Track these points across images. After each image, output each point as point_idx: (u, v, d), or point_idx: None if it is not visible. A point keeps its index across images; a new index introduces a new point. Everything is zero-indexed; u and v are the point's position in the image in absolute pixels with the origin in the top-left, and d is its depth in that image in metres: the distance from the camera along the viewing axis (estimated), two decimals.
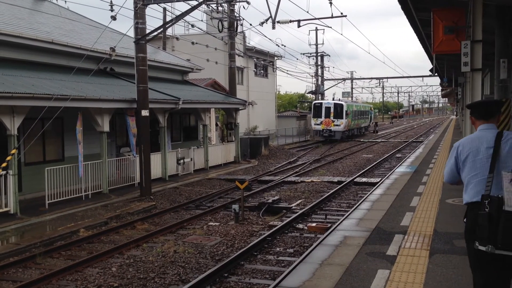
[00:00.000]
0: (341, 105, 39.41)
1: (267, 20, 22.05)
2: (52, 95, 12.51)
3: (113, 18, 15.11)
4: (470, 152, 3.94)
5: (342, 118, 38.72)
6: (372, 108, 60.26)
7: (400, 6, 12.21)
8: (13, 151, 12.01)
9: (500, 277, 3.71)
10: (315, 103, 41.10)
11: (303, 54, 50.42)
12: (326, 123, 38.62)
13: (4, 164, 11.65)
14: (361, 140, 41.58)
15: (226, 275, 8.10)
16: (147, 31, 16.07)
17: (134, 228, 11.83)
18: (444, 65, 25.33)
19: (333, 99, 50.68)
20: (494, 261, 3.65)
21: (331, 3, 22.78)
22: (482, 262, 3.74)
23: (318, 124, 39.16)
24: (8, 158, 11.83)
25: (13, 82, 12.65)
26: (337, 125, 38.55)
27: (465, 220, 3.92)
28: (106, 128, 15.30)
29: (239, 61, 33.57)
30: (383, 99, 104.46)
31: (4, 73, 13.29)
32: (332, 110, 38.77)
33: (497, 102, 4.52)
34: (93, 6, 23.70)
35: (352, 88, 74.60)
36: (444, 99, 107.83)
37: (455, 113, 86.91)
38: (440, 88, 53.63)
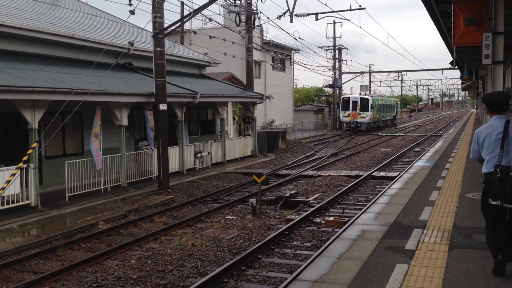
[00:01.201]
0: (367, 99, 43.16)
1: (284, 13, 21.99)
2: (72, 89, 12.66)
3: (132, 12, 15.19)
4: (486, 136, 5.54)
5: (367, 111, 42.55)
6: (398, 102, 64.20)
7: None
8: (34, 144, 12.19)
9: (502, 222, 5.37)
10: (343, 98, 45.31)
11: (321, 47, 50.14)
12: (353, 115, 42.66)
13: (25, 158, 11.83)
14: (379, 134, 41.30)
15: (243, 268, 8.13)
16: (165, 25, 16.13)
17: (153, 221, 11.93)
18: (464, 57, 24.96)
19: (351, 93, 51.41)
20: (500, 211, 5.30)
21: None
22: (492, 212, 5.39)
23: (346, 117, 43.35)
24: (29, 151, 12.02)
25: (33, 76, 12.83)
26: (363, 117, 42.51)
27: (483, 185, 5.51)
28: (125, 122, 15.44)
29: (256, 55, 33.51)
30: (401, 92, 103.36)
31: (25, 68, 13.49)
32: (358, 103, 42.74)
33: (507, 99, 5.71)
34: (112, 0, 23.89)
35: (370, 81, 73.99)
36: (464, 92, 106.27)
37: (475, 106, 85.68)
38: (460, 81, 52.86)
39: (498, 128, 5.47)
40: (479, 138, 5.62)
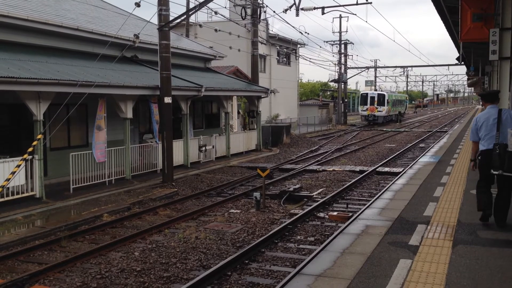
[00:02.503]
0: (383, 95, 47.50)
1: (291, 7, 21.91)
2: (77, 81, 12.67)
3: (137, 5, 15.16)
4: (484, 121, 7.20)
5: (384, 105, 46.89)
6: (407, 98, 68.85)
7: None
8: (39, 136, 12.22)
9: (501, 193, 7.22)
10: (362, 93, 50.28)
11: (326, 42, 49.95)
12: (371, 109, 46.98)
13: (30, 149, 11.87)
14: (384, 129, 41.22)
15: (247, 261, 8.14)
16: (171, 18, 16.09)
17: (156, 214, 11.97)
18: (471, 53, 24.80)
19: (356, 88, 52.24)
20: (501, 178, 7.06)
21: None
22: (491, 179, 7.25)
23: (364, 110, 47.71)
24: (34, 143, 12.05)
25: (39, 68, 12.84)
26: (380, 111, 46.91)
27: (479, 158, 7.31)
28: (130, 114, 15.45)
29: (262, 49, 33.45)
30: (407, 88, 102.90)
31: (31, 59, 13.50)
32: (376, 99, 46.91)
33: (497, 93, 7.63)
34: None
35: (375, 76, 73.64)
36: (470, 88, 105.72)
37: (481, 103, 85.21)
38: (466, 77, 52.59)
39: (493, 115, 7.16)
40: (478, 123, 7.31)
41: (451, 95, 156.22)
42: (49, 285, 7.41)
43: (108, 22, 19.02)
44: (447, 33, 19.61)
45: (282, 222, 10.64)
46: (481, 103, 10.23)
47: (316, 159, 21.39)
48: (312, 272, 5.68)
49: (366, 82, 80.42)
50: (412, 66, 64.37)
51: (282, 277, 7.35)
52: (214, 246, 9.08)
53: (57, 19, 15.54)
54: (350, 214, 10.67)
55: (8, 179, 11.28)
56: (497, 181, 7.20)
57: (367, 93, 48.90)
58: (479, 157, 7.32)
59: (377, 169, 17.62)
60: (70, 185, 13.46)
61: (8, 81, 10.96)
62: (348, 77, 53.62)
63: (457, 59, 31.33)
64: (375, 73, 71.57)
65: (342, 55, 50.71)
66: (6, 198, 11.51)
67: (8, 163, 11.67)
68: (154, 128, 16.75)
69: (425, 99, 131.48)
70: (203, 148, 19.45)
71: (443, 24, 17.43)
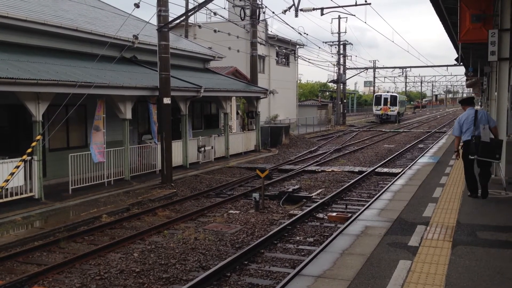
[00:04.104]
0: (395, 96, 54.48)
1: (290, 8, 21.93)
2: (76, 82, 12.66)
3: (137, 5, 15.16)
4: (465, 119, 9.41)
5: (396, 105, 53.35)
6: (407, 99, 77.22)
7: None
8: (38, 137, 12.20)
9: (482, 171, 9.39)
10: (376, 95, 56.94)
11: (325, 42, 49.93)
12: (385, 109, 53.14)
13: (29, 150, 11.86)
14: (383, 130, 41.26)
15: (246, 262, 8.14)
16: (170, 19, 16.09)
17: (156, 214, 11.96)
18: (469, 54, 24.77)
19: (354, 89, 52.61)
20: (479, 161, 9.16)
21: None
22: (469, 164, 9.34)
23: (378, 110, 53.66)
24: (33, 144, 12.04)
25: (38, 69, 12.82)
26: (392, 111, 53.09)
27: (462, 146, 9.43)
28: (129, 115, 15.43)
29: (261, 50, 33.45)
30: (405, 88, 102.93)
31: (30, 60, 13.49)
32: (389, 100, 53.11)
33: (473, 98, 10.21)
34: None
35: (374, 77, 73.69)
36: (468, 89, 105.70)
37: (479, 103, 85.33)
38: (465, 78, 52.70)
39: (471, 114, 9.43)
40: (460, 121, 9.55)
41: (450, 95, 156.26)
42: (48, 286, 7.40)
43: (107, 22, 19.02)
44: (445, 33, 19.62)
45: (281, 223, 10.63)
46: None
47: (315, 160, 21.40)
48: (311, 273, 5.68)
49: (365, 82, 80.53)
50: (411, 67, 64.54)
51: (282, 278, 7.34)
52: (213, 247, 9.07)
53: (56, 19, 15.54)
54: (350, 215, 10.67)
55: (7, 180, 11.26)
56: (476, 163, 9.36)
57: (381, 95, 55.43)
58: (461, 148, 9.55)
59: (376, 170, 17.63)
60: (69, 186, 13.44)
61: (7, 82, 10.94)
62: (347, 77, 53.67)
63: (456, 60, 31.34)
64: (374, 74, 71.65)
65: (341, 55, 50.73)
66: (5, 199, 11.49)
67: (7, 164, 11.65)
68: (153, 128, 16.75)
69: (423, 99, 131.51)
70: (202, 149, 19.45)
71: (441, 25, 17.44)
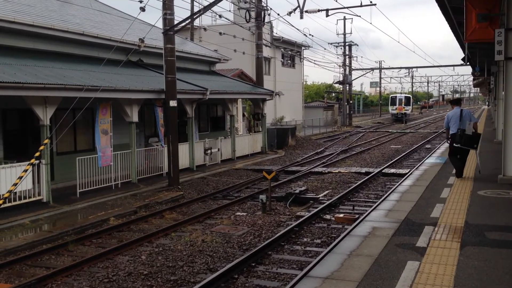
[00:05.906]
0: (409, 97, 61.13)
1: (295, 9, 21.92)
2: (83, 86, 12.73)
3: (142, 9, 15.21)
4: (452, 116, 11.66)
5: (409, 105, 60.32)
6: (412, 99, 79.89)
7: None
8: (46, 141, 12.27)
9: (461, 157, 11.90)
10: (391, 96, 63.50)
11: (331, 43, 49.90)
12: (400, 109, 59.06)
13: (37, 154, 11.92)
14: (389, 130, 41.13)
15: (253, 264, 8.14)
16: (175, 22, 16.14)
17: (163, 217, 11.99)
18: (476, 54, 24.71)
19: (361, 89, 53.16)
20: (460, 150, 11.59)
21: None
22: (456, 151, 11.67)
23: (394, 110, 59.73)
24: (41, 147, 12.10)
25: (45, 73, 12.90)
26: (406, 110, 59.36)
27: (449, 138, 11.79)
28: (135, 118, 15.49)
29: (266, 51, 33.45)
30: (412, 89, 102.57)
31: (37, 65, 13.58)
32: (403, 100, 59.20)
33: (460, 99, 12.86)
34: None
35: (380, 78, 73.49)
36: (475, 88, 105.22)
37: (487, 103, 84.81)
38: (472, 77, 52.42)
39: (458, 112, 11.54)
40: (449, 118, 11.73)
41: (457, 95, 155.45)
42: None
43: (113, 26, 19.10)
44: (451, 33, 19.55)
45: (288, 225, 10.63)
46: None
47: (322, 161, 21.37)
48: (319, 275, 5.68)
49: (371, 83, 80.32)
50: (417, 67, 64.36)
51: (289, 279, 7.34)
52: (221, 249, 9.08)
53: (62, 24, 15.63)
54: (357, 216, 10.65)
55: (15, 184, 11.33)
56: (458, 151, 11.58)
57: (396, 96, 61.40)
58: (449, 139, 11.79)
59: (383, 171, 17.58)
60: (77, 189, 13.50)
61: (15, 86, 11.02)
62: (353, 78, 53.57)
63: (463, 59, 31.24)
64: (380, 74, 71.48)
65: (347, 56, 50.66)
66: (13, 203, 11.57)
67: (15, 168, 11.73)
68: (159, 131, 16.79)
69: (430, 100, 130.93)
70: (209, 151, 19.47)
71: (447, 25, 17.40)
